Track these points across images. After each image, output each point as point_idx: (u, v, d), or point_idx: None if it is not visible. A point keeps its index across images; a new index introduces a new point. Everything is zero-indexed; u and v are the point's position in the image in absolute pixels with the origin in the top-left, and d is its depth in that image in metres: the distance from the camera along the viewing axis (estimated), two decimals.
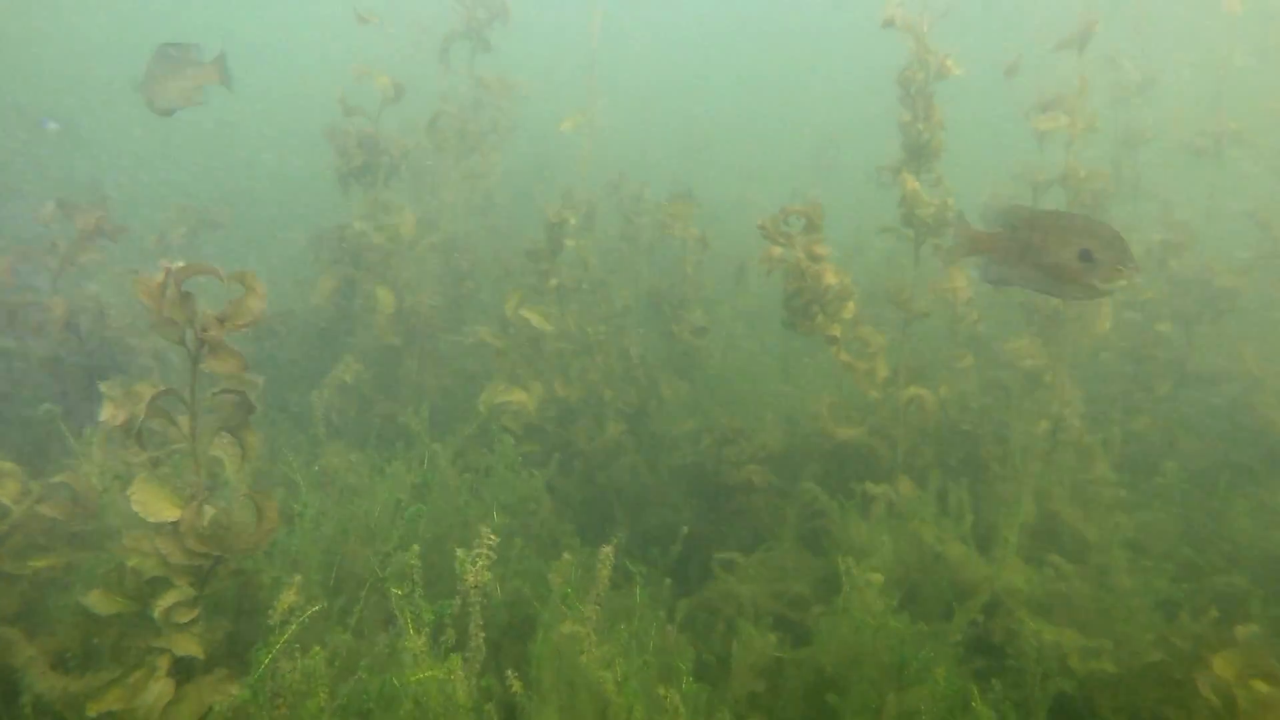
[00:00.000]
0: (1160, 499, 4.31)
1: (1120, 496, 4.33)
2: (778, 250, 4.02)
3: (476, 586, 1.89)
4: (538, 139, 9.94)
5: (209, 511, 2.32)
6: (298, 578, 2.16)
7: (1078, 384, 4.73)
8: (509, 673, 2.25)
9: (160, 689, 2.05)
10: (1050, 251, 2.54)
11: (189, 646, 2.17)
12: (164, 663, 2.13)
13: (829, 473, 4.80)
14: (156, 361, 4.62)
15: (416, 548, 2.01)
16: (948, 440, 4.94)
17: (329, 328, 5.57)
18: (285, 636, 1.94)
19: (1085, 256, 2.54)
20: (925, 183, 4.36)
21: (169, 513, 2.18)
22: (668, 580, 3.54)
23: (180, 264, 2.18)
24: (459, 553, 1.90)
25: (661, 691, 2.14)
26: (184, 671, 2.19)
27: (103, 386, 2.28)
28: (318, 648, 2.03)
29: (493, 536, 1.95)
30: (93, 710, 2.06)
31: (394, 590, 1.97)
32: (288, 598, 2.11)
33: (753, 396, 6.07)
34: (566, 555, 2.79)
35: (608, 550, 2.41)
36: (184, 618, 2.16)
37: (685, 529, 3.99)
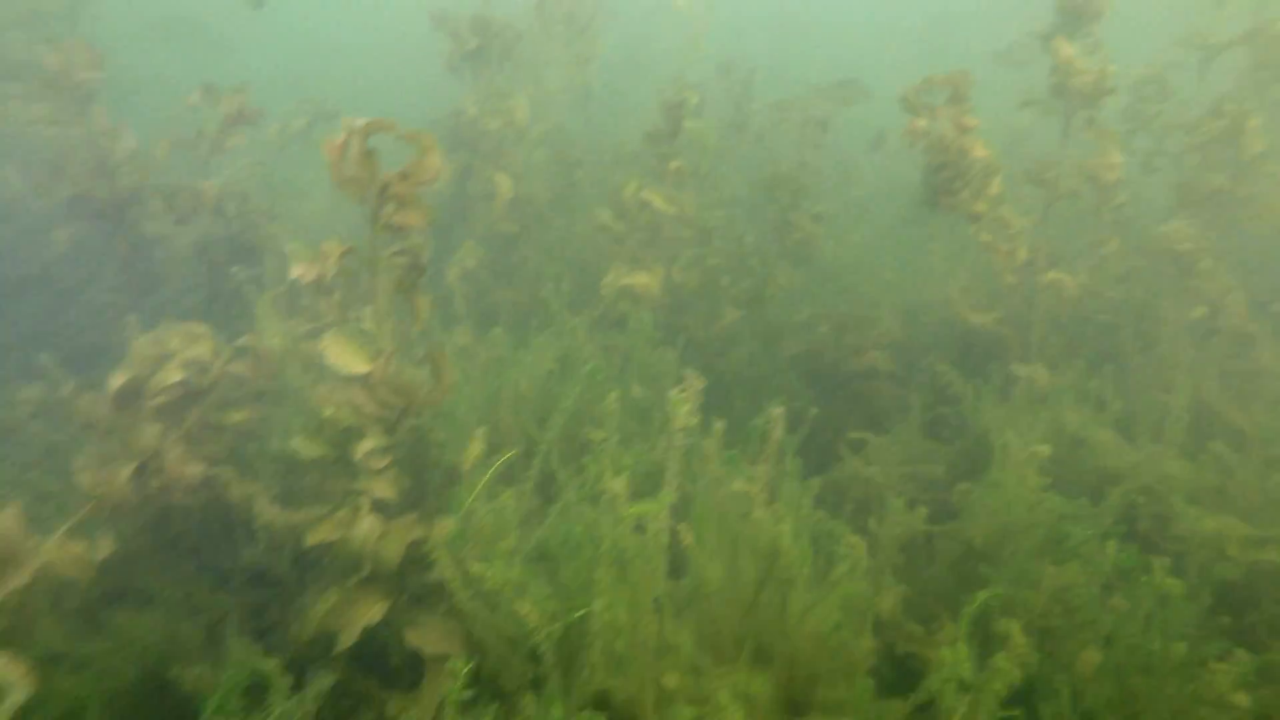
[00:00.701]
0: None
1: None
2: (922, 122, 3.80)
3: (684, 429, 1.93)
4: (627, 29, 9.59)
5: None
6: (482, 429, 2.25)
7: (1240, 270, 4.40)
8: (680, 526, 2.32)
9: (371, 523, 2.20)
10: None
11: (384, 490, 2.31)
12: (365, 504, 2.27)
13: (951, 361, 4.69)
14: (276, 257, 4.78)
15: (615, 393, 2.06)
16: (1083, 330, 4.73)
17: (441, 215, 5.64)
18: (485, 479, 2.03)
19: None
20: (1081, 49, 4.00)
21: (360, 366, 2.28)
22: (797, 460, 3.56)
23: (363, 120, 2.20)
24: (671, 393, 1.94)
25: (852, 540, 2.18)
26: (379, 513, 2.33)
27: (289, 246, 2.36)
28: (508, 492, 2.13)
29: (700, 380, 1.97)
30: (311, 539, 2.23)
31: (594, 435, 2.03)
32: (475, 448, 2.20)
33: (868, 285, 5.93)
34: (718, 423, 2.81)
35: (779, 411, 2.42)
36: (379, 464, 2.29)
37: (814, 410, 3.97)
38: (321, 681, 1.64)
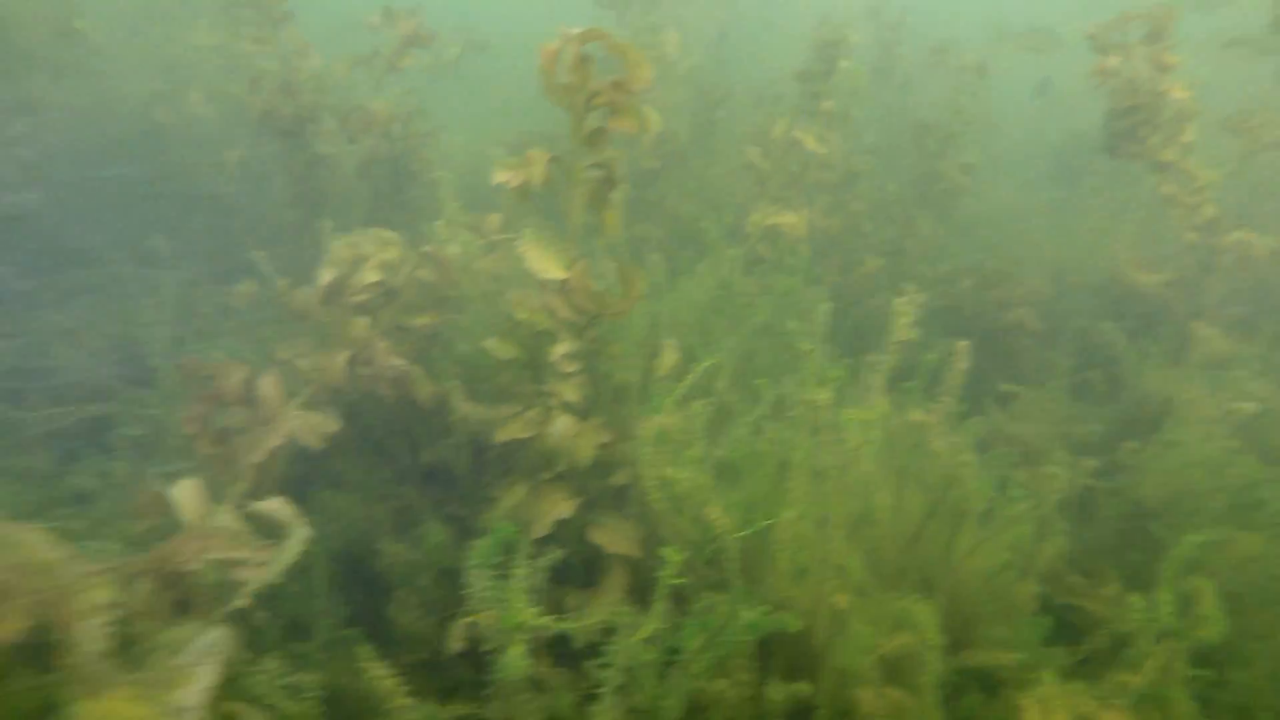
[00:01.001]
0: None
1: None
2: (1113, 60, 3.56)
3: (901, 342, 1.92)
4: None
5: None
6: (672, 340, 2.29)
7: None
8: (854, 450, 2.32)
9: (566, 422, 2.29)
10: None
11: (572, 394, 2.39)
12: (556, 405, 2.37)
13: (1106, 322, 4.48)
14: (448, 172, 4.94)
15: (828, 305, 2.06)
16: (1266, 297, 4.40)
17: None
18: (684, 386, 2.08)
19: None
20: None
21: (558, 271, 2.35)
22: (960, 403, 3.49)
23: (579, 29, 2.23)
24: (895, 303, 1.93)
25: (1054, 470, 2.13)
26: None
27: (494, 151, 2.43)
28: (700, 402, 2.17)
29: (918, 295, 1.95)
30: (501, 435, 2.35)
31: (803, 346, 2.05)
32: (670, 356, 2.24)
33: (1012, 241, 5.71)
34: (884, 358, 2.77)
35: (964, 344, 2.37)
36: (570, 368, 2.37)
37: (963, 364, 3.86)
38: (554, 553, 1.74)
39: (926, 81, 6.27)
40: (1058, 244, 5.43)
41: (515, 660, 1.52)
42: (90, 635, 0.82)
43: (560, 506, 2.27)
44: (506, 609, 1.52)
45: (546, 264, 2.36)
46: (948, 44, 5.50)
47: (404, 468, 2.92)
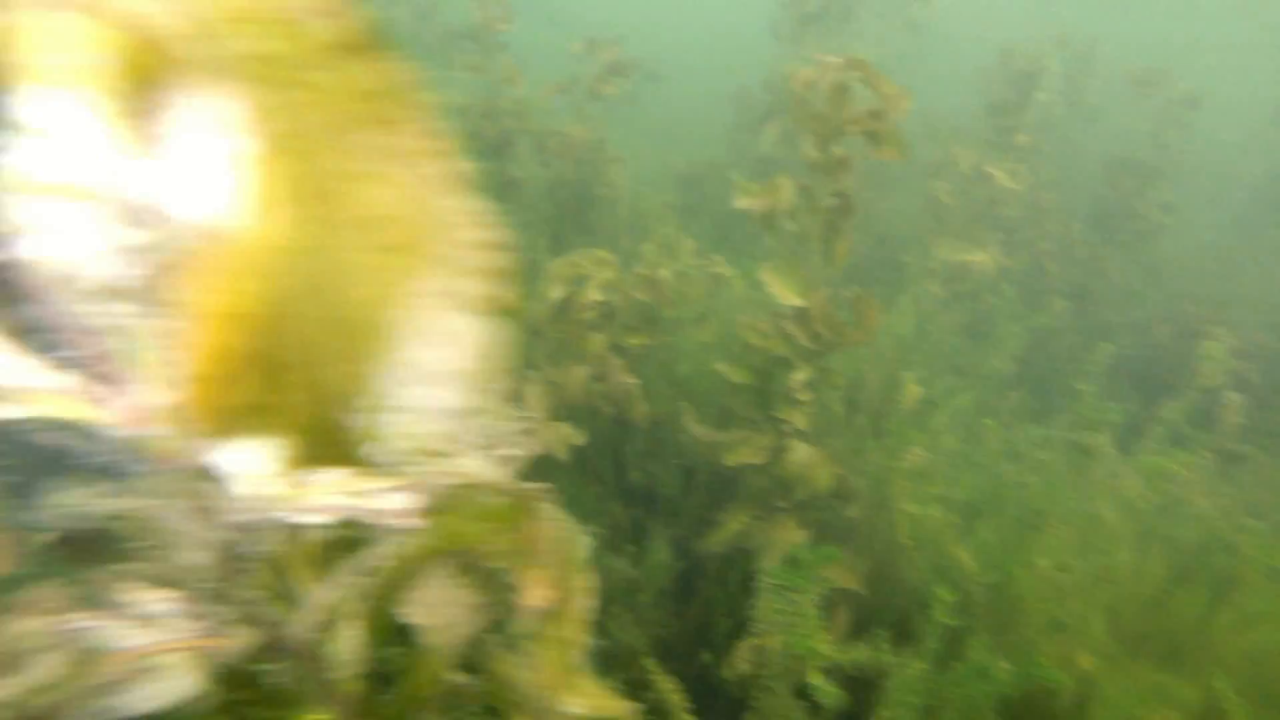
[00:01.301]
0: None
1: None
2: None
3: (1210, 388, 1.81)
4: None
5: None
6: (911, 374, 2.23)
7: None
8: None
9: (805, 451, 2.28)
10: None
11: (804, 422, 2.37)
12: (790, 432, 2.35)
13: None
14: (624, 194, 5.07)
15: (1109, 348, 1.97)
16: None
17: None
18: (940, 417, 2.03)
19: None
20: None
21: (797, 299, 2.35)
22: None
23: (837, 59, 2.24)
24: (1205, 345, 1.83)
25: None
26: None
27: (735, 177, 2.47)
28: (951, 436, 2.10)
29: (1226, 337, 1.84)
30: (731, 460, 2.36)
31: (1081, 385, 1.97)
32: (913, 390, 2.19)
33: (1219, 286, 5.29)
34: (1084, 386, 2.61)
35: (1235, 397, 2.20)
36: (804, 396, 2.36)
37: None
38: (829, 582, 1.72)
39: (1118, 112, 5.95)
40: (1272, 291, 5.01)
41: (822, 688, 1.50)
42: (580, 614, 0.87)
43: (792, 535, 2.25)
44: (797, 634, 1.51)
45: (786, 290, 2.36)
46: (1153, 73, 5.20)
47: (609, 485, 2.98)
